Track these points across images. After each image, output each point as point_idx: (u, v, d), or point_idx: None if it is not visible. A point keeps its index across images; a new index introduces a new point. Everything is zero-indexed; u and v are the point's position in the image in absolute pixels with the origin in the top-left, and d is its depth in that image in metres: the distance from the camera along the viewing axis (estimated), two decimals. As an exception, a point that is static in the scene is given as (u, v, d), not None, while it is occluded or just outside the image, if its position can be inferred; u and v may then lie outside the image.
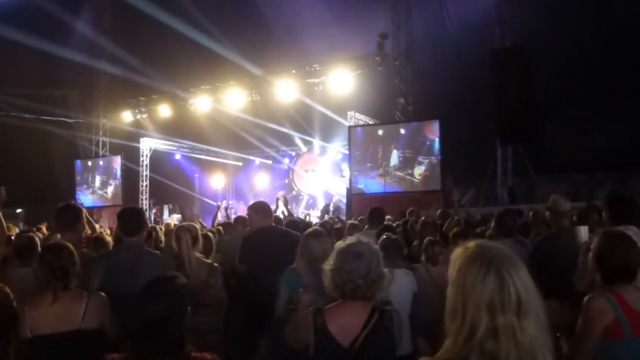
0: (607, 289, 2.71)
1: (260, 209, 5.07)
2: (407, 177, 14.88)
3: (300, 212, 21.03)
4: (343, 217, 13.14)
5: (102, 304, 3.06)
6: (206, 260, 4.54)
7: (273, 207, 9.33)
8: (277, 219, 7.81)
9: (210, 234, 5.80)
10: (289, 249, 4.74)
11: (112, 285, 3.55)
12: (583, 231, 4.22)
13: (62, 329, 2.89)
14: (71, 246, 3.18)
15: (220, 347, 4.18)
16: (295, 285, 3.86)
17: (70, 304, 2.97)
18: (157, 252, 4.25)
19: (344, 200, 18.39)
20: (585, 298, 2.71)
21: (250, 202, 5.68)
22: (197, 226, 4.74)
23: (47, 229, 7.58)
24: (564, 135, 14.16)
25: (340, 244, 2.68)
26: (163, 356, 2.13)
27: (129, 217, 3.95)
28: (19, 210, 18.69)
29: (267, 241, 4.75)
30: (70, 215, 4.03)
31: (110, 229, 9.18)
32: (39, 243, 4.43)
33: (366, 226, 6.78)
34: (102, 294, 3.13)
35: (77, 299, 2.99)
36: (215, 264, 4.55)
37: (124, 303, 3.00)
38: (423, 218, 7.57)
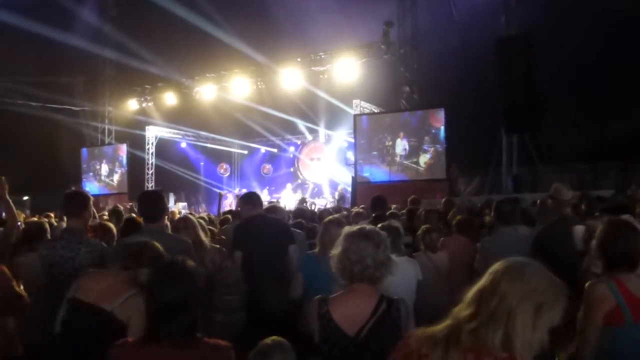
0: (608, 275, 2.72)
1: (247, 199, 5.10)
2: (413, 165, 14.89)
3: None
4: (348, 206, 13.19)
5: (139, 306, 2.86)
6: (215, 245, 4.62)
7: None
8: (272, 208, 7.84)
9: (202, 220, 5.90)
10: (280, 237, 4.81)
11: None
12: (579, 231, 4.26)
13: (101, 304, 2.82)
14: (158, 246, 3.11)
15: (244, 325, 4.26)
16: (312, 271, 3.92)
17: (119, 286, 2.89)
18: (178, 235, 4.26)
19: (349, 189, 18.45)
20: (586, 285, 2.73)
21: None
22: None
23: (56, 217, 7.65)
24: (568, 125, 14.12)
25: (348, 229, 2.68)
26: (178, 340, 2.16)
27: (150, 201, 3.95)
28: (25, 198, 18.79)
29: (257, 230, 4.75)
30: (77, 202, 4.04)
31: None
32: (48, 229, 4.48)
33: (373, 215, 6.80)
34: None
35: (126, 286, 2.90)
36: (224, 249, 4.64)
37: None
38: (422, 207, 7.61)
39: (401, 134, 15.12)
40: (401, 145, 15.08)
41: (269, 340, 2.83)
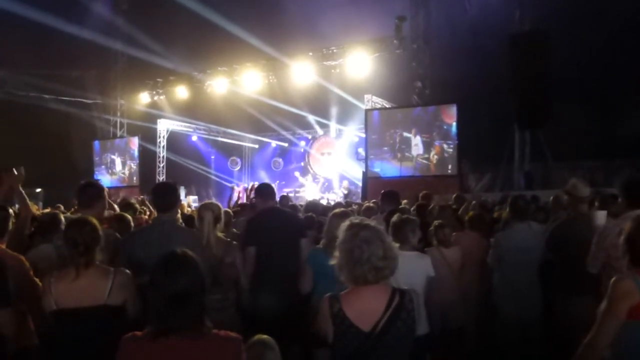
0: (635, 271, 2.70)
1: (258, 191, 5.08)
2: (423, 161, 14.84)
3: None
4: (357, 200, 13.17)
5: (127, 281, 3.12)
6: (225, 238, 4.59)
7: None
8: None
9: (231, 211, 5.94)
10: (293, 231, 4.79)
11: (140, 261, 3.62)
12: (601, 216, 4.21)
13: (87, 304, 2.96)
14: (95, 221, 3.22)
15: (233, 324, 4.24)
16: (318, 262, 3.92)
17: (97, 279, 3.04)
18: (189, 228, 4.25)
19: (357, 183, 18.46)
20: (612, 279, 2.71)
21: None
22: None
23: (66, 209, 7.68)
24: (582, 121, 13.99)
25: (342, 237, 2.62)
26: (186, 332, 2.15)
27: (163, 192, 3.94)
28: (38, 190, 18.93)
29: (271, 224, 4.72)
30: (90, 193, 4.05)
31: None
32: (63, 220, 4.51)
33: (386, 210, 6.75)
34: (127, 271, 3.19)
35: (104, 275, 3.06)
36: (234, 242, 4.60)
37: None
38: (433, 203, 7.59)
39: (413, 131, 15.03)
40: (414, 142, 14.99)
41: (263, 336, 2.83)
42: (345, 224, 2.68)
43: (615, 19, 13.92)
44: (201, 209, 4.59)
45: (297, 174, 23.05)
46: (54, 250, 3.84)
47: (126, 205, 6.05)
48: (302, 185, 21.83)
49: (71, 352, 3.00)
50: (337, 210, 4.29)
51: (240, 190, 10.63)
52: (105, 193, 4.18)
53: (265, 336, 2.81)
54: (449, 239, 5.30)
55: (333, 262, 2.64)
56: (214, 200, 5.35)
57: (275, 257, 4.59)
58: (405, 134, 15.11)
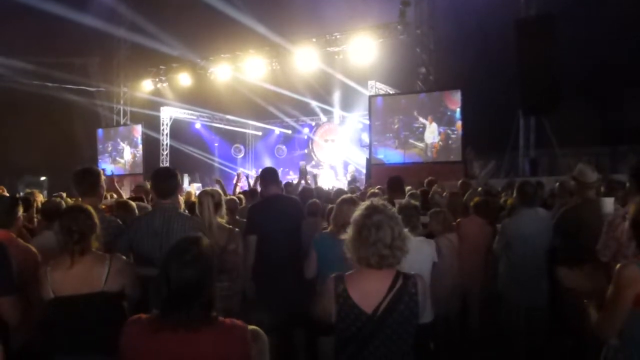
0: None
1: (261, 177, 5.01)
2: (428, 147, 14.78)
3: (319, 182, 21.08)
4: (361, 187, 13.14)
5: (124, 266, 3.11)
6: (227, 225, 4.55)
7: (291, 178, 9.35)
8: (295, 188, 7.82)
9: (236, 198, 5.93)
10: (295, 216, 4.75)
11: (143, 248, 3.59)
12: (609, 203, 4.17)
13: (85, 291, 2.95)
14: (90, 208, 3.18)
15: (237, 312, 4.22)
16: (326, 248, 3.89)
17: (93, 266, 3.02)
18: (189, 215, 4.20)
19: (361, 170, 18.41)
20: (617, 266, 2.66)
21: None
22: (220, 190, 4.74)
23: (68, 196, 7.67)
24: (587, 108, 13.89)
25: (357, 215, 2.61)
26: (194, 320, 2.11)
27: (163, 178, 3.87)
28: (42, 178, 18.98)
29: (272, 211, 4.68)
30: (90, 181, 4.02)
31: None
32: (65, 208, 4.49)
33: (385, 196, 6.72)
34: (124, 257, 3.18)
35: (100, 261, 3.04)
36: (236, 229, 4.56)
37: (155, 266, 3.04)
38: (437, 189, 7.57)
39: (430, 118, 14.86)
40: (429, 130, 14.85)
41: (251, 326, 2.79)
42: (365, 203, 2.66)
43: (623, 3, 13.77)
44: (201, 194, 4.56)
45: (314, 163, 23.07)
46: (54, 237, 3.82)
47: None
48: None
49: (70, 339, 2.99)
50: (345, 196, 4.26)
51: (241, 175, 10.54)
52: (102, 176, 4.13)
53: (253, 326, 2.77)
54: (452, 224, 5.31)
55: (344, 236, 2.63)
56: (216, 187, 5.32)
57: (276, 245, 4.55)
58: (421, 120, 14.93)
